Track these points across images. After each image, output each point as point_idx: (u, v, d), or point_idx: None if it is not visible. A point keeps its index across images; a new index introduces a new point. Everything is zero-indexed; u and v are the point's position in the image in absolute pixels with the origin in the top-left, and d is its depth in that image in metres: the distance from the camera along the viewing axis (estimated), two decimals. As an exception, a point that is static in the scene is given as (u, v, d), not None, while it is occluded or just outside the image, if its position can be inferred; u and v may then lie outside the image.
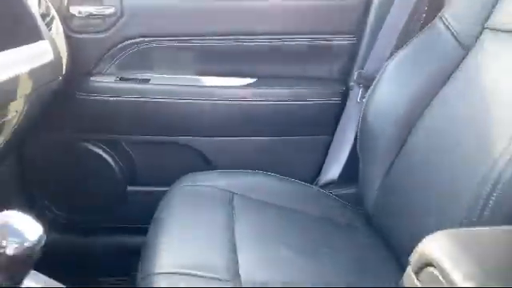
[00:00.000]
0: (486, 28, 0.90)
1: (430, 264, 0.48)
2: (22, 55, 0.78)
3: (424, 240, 0.51)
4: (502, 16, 0.87)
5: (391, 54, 1.07)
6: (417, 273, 0.50)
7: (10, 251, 0.38)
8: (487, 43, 0.89)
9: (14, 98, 0.75)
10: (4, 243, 0.38)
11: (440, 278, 0.46)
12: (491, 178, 0.59)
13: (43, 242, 0.41)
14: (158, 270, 0.72)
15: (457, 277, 0.44)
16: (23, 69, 0.77)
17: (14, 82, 0.74)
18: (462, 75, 0.92)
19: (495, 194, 0.58)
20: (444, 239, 0.50)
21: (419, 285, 0.49)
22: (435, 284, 0.46)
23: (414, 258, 0.51)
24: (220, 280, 0.70)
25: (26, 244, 0.39)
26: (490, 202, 0.58)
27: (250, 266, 0.76)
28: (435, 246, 0.49)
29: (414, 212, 0.88)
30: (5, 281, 0.41)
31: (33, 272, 0.47)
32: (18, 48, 0.78)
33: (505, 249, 0.49)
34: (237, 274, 0.73)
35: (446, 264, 0.46)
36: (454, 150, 0.81)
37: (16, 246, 0.38)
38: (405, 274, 0.52)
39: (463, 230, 0.54)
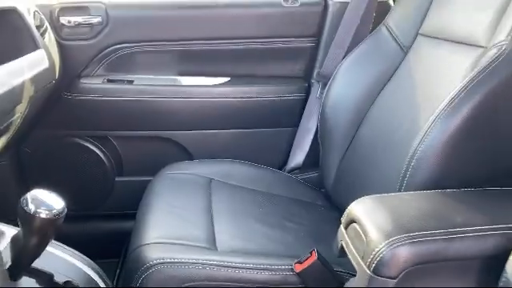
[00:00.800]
0: (420, 34, 1.06)
1: (354, 221, 0.64)
2: (24, 64, 0.90)
3: (352, 203, 0.67)
4: (430, 25, 1.03)
5: (345, 55, 1.21)
6: (346, 228, 0.66)
7: (43, 215, 0.52)
8: (420, 46, 1.05)
9: (20, 101, 0.88)
10: (38, 210, 0.52)
11: (360, 231, 0.62)
12: (410, 155, 0.76)
13: (65, 211, 0.55)
14: (146, 242, 0.85)
15: (370, 229, 0.60)
16: (26, 76, 0.89)
17: (21, 87, 0.86)
18: (402, 73, 1.08)
19: (411, 167, 0.74)
20: (366, 202, 0.66)
21: (347, 238, 0.65)
22: (358, 236, 0.62)
23: (344, 218, 0.67)
24: (200, 247, 0.85)
25: (54, 211, 0.53)
26: (408, 174, 0.75)
27: (224, 236, 0.90)
28: (358, 207, 0.65)
29: (363, 189, 1.03)
30: (37, 240, 0.55)
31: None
32: (20, 58, 0.90)
33: (411, 208, 0.65)
34: (213, 243, 0.87)
35: (364, 220, 0.62)
36: (394, 135, 0.96)
37: (47, 212, 0.52)
38: (338, 230, 0.68)
39: (383, 195, 0.69)
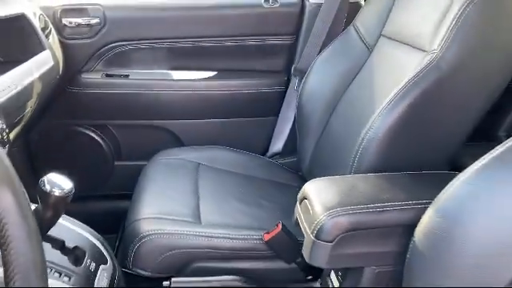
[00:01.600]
0: (382, 35, 1.19)
1: (305, 198, 0.79)
2: (33, 65, 1.04)
3: (306, 183, 0.82)
4: (390, 27, 1.16)
5: (319, 52, 1.34)
6: (300, 204, 0.81)
7: (56, 194, 0.67)
8: (382, 47, 1.17)
9: (30, 98, 1.02)
10: (53, 189, 0.67)
11: (308, 206, 0.77)
12: (358, 143, 0.90)
13: (73, 190, 0.70)
14: (140, 217, 1.00)
15: (315, 204, 0.75)
16: (35, 75, 1.03)
17: (31, 85, 1.00)
18: (365, 70, 1.20)
19: (358, 154, 0.89)
20: (316, 182, 0.81)
21: (300, 212, 0.80)
22: (307, 210, 0.77)
23: (299, 195, 0.82)
24: (186, 221, 1.00)
25: (65, 190, 0.68)
26: (356, 160, 0.89)
27: (207, 213, 1.05)
28: (310, 187, 0.80)
29: (330, 171, 1.16)
30: (52, 213, 0.70)
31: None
32: (30, 60, 1.04)
33: (351, 188, 0.79)
34: (198, 218, 1.02)
35: (312, 197, 0.77)
36: (353, 126, 1.08)
37: (60, 191, 0.67)
38: (295, 205, 0.84)
39: (333, 177, 0.84)
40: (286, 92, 1.46)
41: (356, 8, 1.40)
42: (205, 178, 1.24)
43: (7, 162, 0.46)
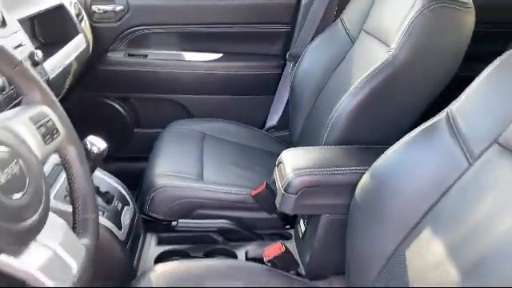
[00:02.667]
0: (363, 30, 1.38)
1: (280, 162, 1.03)
2: (72, 47, 1.28)
3: (283, 151, 1.06)
4: (369, 23, 1.35)
5: (311, 40, 1.55)
6: (277, 167, 1.05)
7: (95, 151, 0.92)
8: (362, 40, 1.36)
9: (69, 75, 1.26)
10: (93, 148, 0.91)
11: (282, 168, 1.00)
12: (328, 120, 1.12)
13: (107, 150, 0.95)
14: (156, 173, 1.26)
15: (287, 167, 0.99)
16: (73, 56, 1.27)
17: (70, 65, 1.24)
18: (347, 60, 1.39)
19: (328, 129, 1.11)
20: (291, 151, 1.05)
21: (276, 173, 1.04)
22: (281, 172, 1.01)
23: (277, 161, 1.06)
24: (192, 179, 1.25)
25: (101, 149, 0.93)
26: (326, 133, 1.12)
27: (209, 173, 1.30)
28: (285, 154, 1.04)
29: (309, 143, 1.36)
30: (91, 165, 0.95)
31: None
32: (69, 43, 1.28)
33: (316, 156, 1.03)
34: (201, 176, 1.27)
35: (285, 162, 1.01)
36: (331, 105, 1.31)
37: (98, 148, 0.92)
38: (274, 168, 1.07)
39: (306, 147, 1.07)
40: (281, 74, 1.68)
41: (345, 2, 1.59)
42: (209, 145, 1.48)
43: (71, 126, 0.70)
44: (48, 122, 0.64)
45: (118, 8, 1.56)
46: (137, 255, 1.07)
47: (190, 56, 1.68)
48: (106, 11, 1.56)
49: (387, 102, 1.07)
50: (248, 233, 1.21)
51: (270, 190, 1.17)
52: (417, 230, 0.78)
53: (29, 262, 0.51)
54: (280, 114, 1.68)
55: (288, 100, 1.63)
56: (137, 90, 1.69)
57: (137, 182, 1.58)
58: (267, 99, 1.72)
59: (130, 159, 1.75)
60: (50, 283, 0.52)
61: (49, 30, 1.29)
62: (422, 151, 0.81)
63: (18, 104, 0.86)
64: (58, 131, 0.66)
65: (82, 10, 1.49)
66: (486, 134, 0.72)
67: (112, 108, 1.72)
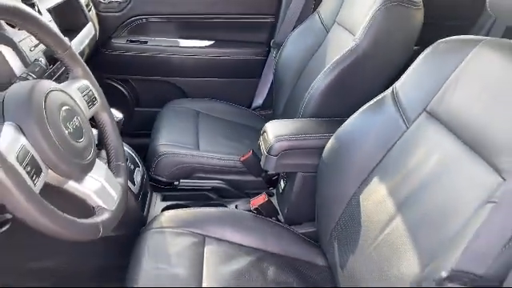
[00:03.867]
0: (335, 22, 1.60)
1: (265, 131, 1.26)
2: (83, 34, 1.47)
3: (267, 123, 1.29)
4: (341, 16, 1.57)
5: (292, 30, 1.77)
6: (262, 135, 1.28)
7: (115, 120, 1.13)
8: (334, 31, 1.58)
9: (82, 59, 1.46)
10: (116, 117, 1.12)
11: (266, 136, 1.24)
12: (304, 97, 1.35)
13: (123, 120, 1.16)
14: (159, 143, 1.47)
15: (269, 134, 1.22)
16: (85, 42, 1.47)
17: (83, 51, 1.44)
18: (322, 48, 1.61)
19: (304, 104, 1.34)
20: (274, 123, 1.28)
21: (261, 140, 1.27)
22: (265, 139, 1.24)
23: (262, 130, 1.29)
24: (189, 148, 1.47)
25: (118, 119, 1.14)
26: (302, 108, 1.35)
27: (204, 143, 1.52)
28: (269, 125, 1.26)
29: (289, 117, 1.59)
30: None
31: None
32: (82, 31, 1.47)
33: (294, 126, 1.26)
34: (197, 146, 1.50)
35: (268, 130, 1.24)
36: (308, 86, 1.53)
37: (116, 117, 1.13)
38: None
39: (286, 119, 1.30)
40: (266, 60, 1.90)
41: (322, -4, 1.81)
42: (203, 122, 1.70)
43: (104, 96, 0.92)
44: (89, 92, 0.85)
45: (121, -1, 1.76)
46: (146, 208, 1.30)
47: (185, 43, 1.88)
48: (110, 1, 1.75)
49: (353, 82, 1.30)
50: (238, 192, 1.44)
51: (256, 157, 1.40)
52: (368, 179, 1.02)
53: (87, 187, 0.73)
54: (265, 95, 1.91)
55: (272, 82, 1.86)
56: (137, 73, 1.89)
57: (139, 155, 1.80)
58: (254, 82, 1.94)
59: (131, 135, 1.94)
60: (100, 203, 0.75)
61: (64, 19, 1.47)
62: (373, 119, 1.05)
63: (58, 79, 1.07)
64: (96, 99, 0.87)
65: (90, 0, 1.67)
66: (418, 105, 0.96)
67: (115, 89, 1.91)
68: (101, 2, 1.74)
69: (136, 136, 1.94)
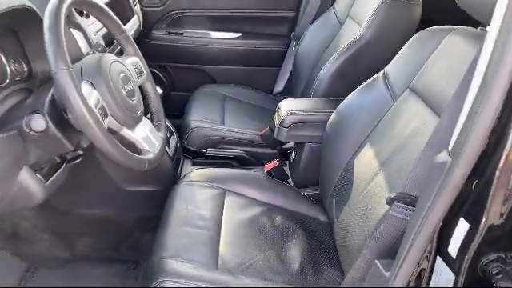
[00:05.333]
0: (348, 16, 1.80)
1: (279, 108, 1.49)
2: (130, 26, 1.74)
3: (282, 101, 1.51)
4: (353, 11, 1.76)
5: (311, 24, 1.98)
6: (276, 111, 1.51)
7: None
8: (347, 24, 1.77)
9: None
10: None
11: (279, 111, 1.46)
12: (315, 79, 1.56)
13: (163, 94, 1.41)
14: (191, 119, 1.73)
15: (282, 110, 1.45)
16: (131, 33, 1.74)
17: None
18: (336, 38, 1.82)
19: (315, 86, 1.55)
20: (288, 101, 1.50)
21: (276, 116, 1.49)
22: (279, 113, 1.47)
23: (277, 107, 1.51)
24: (216, 123, 1.72)
25: (159, 91, 1.39)
26: (313, 89, 1.56)
27: (229, 120, 1.76)
28: (283, 103, 1.49)
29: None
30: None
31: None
32: (128, 23, 1.74)
33: (305, 104, 1.48)
34: (223, 122, 1.74)
35: (282, 107, 1.46)
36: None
37: (159, 92, 1.38)
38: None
39: (299, 98, 1.52)
40: (287, 50, 2.12)
41: (338, -6, 2.01)
42: (229, 104, 1.95)
43: (149, 70, 1.17)
44: (138, 66, 1.11)
45: (162, -5, 2.03)
46: (178, 171, 1.55)
47: (215, 34, 2.13)
48: (152, -3, 2.03)
49: (357, 67, 1.50)
50: (255, 161, 1.67)
51: (272, 132, 1.61)
52: (361, 146, 1.22)
53: (137, 134, 0.98)
54: (285, 82, 2.14)
55: (291, 71, 2.08)
56: (173, 61, 2.16)
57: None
58: (275, 70, 2.17)
59: (167, 116, 2.21)
60: (146, 147, 1.00)
61: (115, 11, 1.73)
62: (367, 96, 1.26)
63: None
64: (143, 72, 1.13)
65: (135, -4, 1.95)
66: (403, 83, 1.15)
67: (154, 74, 2.17)
68: (144, -3, 2.02)
69: (171, 117, 2.20)
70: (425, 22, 1.47)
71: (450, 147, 0.62)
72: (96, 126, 0.80)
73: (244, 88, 2.11)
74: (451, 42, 1.04)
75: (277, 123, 1.43)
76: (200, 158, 1.68)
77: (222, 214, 1.23)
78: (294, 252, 1.16)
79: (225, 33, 2.13)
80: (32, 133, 0.88)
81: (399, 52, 1.21)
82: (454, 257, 0.63)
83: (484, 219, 0.58)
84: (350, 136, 1.25)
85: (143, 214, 1.49)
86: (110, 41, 1.36)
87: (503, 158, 0.56)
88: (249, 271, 1.05)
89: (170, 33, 2.11)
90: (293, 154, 1.56)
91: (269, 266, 1.08)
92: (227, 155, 1.67)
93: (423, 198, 0.66)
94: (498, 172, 0.56)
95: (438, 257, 0.67)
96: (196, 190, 1.29)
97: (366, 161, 1.17)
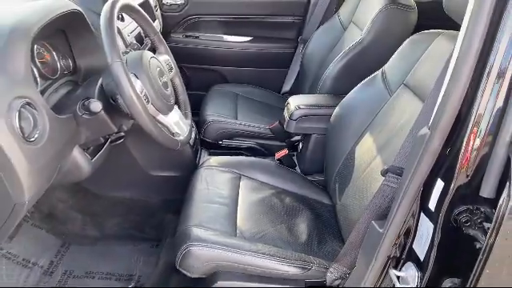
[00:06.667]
0: (351, 22, 1.98)
1: (288, 102, 1.66)
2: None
3: (290, 97, 1.68)
4: (355, 17, 1.94)
5: (317, 28, 2.16)
6: (286, 106, 1.68)
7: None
8: (350, 29, 1.95)
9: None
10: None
11: (288, 106, 1.64)
12: (323, 77, 1.74)
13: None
14: (207, 113, 1.90)
15: (290, 104, 1.62)
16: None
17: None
18: (340, 42, 2.00)
19: (321, 83, 1.73)
20: (296, 96, 1.68)
21: (285, 110, 1.67)
22: (288, 108, 1.64)
23: (286, 103, 1.69)
24: (230, 117, 1.89)
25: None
26: (319, 86, 1.73)
27: (241, 116, 1.93)
28: (291, 98, 1.66)
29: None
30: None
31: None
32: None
33: (310, 99, 1.65)
34: (236, 117, 1.91)
35: (290, 102, 1.64)
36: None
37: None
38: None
39: (306, 94, 1.69)
40: (294, 53, 2.29)
41: (342, 0, 2.18)
42: (241, 101, 2.12)
43: (177, 66, 1.35)
44: (169, 62, 1.28)
45: (180, 1, 2.21)
46: (197, 160, 1.72)
47: (229, 38, 2.31)
48: (171, 4, 2.20)
49: (358, 67, 1.67)
50: (266, 151, 1.84)
51: (281, 126, 1.79)
52: (362, 135, 1.39)
53: (170, 120, 1.16)
54: (292, 81, 2.31)
55: (298, 72, 2.25)
56: (189, 62, 2.33)
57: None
58: (283, 71, 2.34)
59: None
60: (178, 130, 1.17)
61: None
62: (367, 92, 1.43)
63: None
64: (172, 68, 1.30)
65: (157, 2, 2.13)
66: (399, 79, 1.32)
67: (171, 74, 2.36)
68: (164, 4, 2.20)
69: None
70: (421, 26, 1.65)
71: (429, 124, 0.79)
72: (142, 109, 0.97)
73: (254, 87, 2.28)
74: (439, 44, 1.21)
75: (286, 116, 1.60)
76: (215, 148, 1.85)
77: (238, 195, 1.39)
78: (301, 226, 1.33)
79: (237, 36, 2.30)
80: (84, 116, 1.05)
81: (395, 53, 1.38)
82: (433, 210, 0.79)
83: (455, 178, 0.75)
84: (352, 126, 1.42)
85: (166, 197, 1.66)
86: (140, 41, 1.54)
87: (469, 130, 0.73)
88: (262, 240, 1.21)
89: (186, 36, 2.29)
90: (300, 145, 1.73)
91: (279, 237, 1.24)
92: (240, 146, 1.84)
93: (408, 166, 0.83)
94: (465, 140, 0.73)
95: (422, 213, 0.83)
96: (215, 174, 1.46)
97: (365, 147, 1.34)
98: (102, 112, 1.04)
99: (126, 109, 1.01)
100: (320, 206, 1.47)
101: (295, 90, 2.29)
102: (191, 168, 1.60)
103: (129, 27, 1.51)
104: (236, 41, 2.30)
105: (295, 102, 1.61)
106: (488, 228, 0.71)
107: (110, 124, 1.08)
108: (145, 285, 1.47)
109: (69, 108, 1.06)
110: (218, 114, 1.90)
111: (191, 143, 1.64)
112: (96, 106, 0.99)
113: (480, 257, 0.72)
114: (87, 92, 1.08)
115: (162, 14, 2.18)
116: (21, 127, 0.84)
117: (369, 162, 1.28)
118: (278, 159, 1.60)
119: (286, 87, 2.33)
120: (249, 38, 2.30)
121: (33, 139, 0.87)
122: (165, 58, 1.27)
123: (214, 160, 1.53)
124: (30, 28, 0.94)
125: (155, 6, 2.08)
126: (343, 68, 1.67)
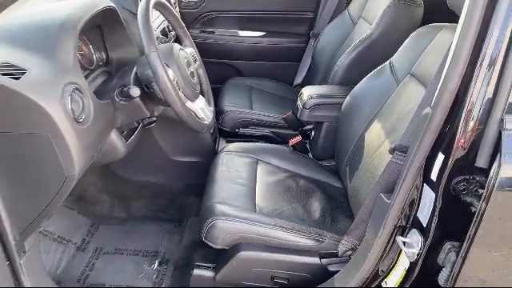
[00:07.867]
0: (361, 17, 2.08)
1: (301, 93, 1.77)
2: (174, 24, 2.04)
3: (303, 88, 1.80)
4: (365, 12, 2.04)
5: (328, 23, 2.27)
6: (299, 96, 1.79)
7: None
8: (360, 24, 2.06)
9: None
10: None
11: (302, 96, 1.75)
12: (334, 68, 1.85)
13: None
14: (224, 103, 2.02)
15: (304, 94, 1.73)
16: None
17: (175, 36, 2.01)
18: (350, 36, 2.10)
19: (332, 75, 1.84)
20: (308, 87, 1.79)
21: (299, 100, 1.78)
22: (301, 98, 1.75)
23: (299, 93, 1.80)
24: (245, 107, 2.01)
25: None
26: (331, 77, 1.84)
27: (256, 106, 2.05)
28: (304, 89, 1.78)
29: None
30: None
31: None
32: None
33: (324, 89, 1.76)
34: (251, 108, 2.03)
35: (304, 92, 1.75)
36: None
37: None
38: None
39: (318, 85, 1.80)
40: (306, 47, 2.40)
41: (352, -3, 2.29)
42: (255, 93, 2.23)
43: (200, 58, 1.47)
44: (194, 54, 1.40)
45: (197, -1, 2.33)
46: (216, 146, 1.84)
47: (243, 33, 2.43)
48: (189, 1, 2.32)
49: (367, 59, 1.78)
50: (280, 139, 1.96)
51: (294, 116, 1.90)
52: (371, 122, 1.49)
53: (197, 106, 1.28)
54: (304, 74, 2.41)
55: (310, 65, 2.36)
56: (205, 56, 2.40)
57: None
58: (295, 65, 2.45)
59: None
60: (203, 115, 1.29)
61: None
62: (376, 81, 1.53)
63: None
64: (197, 59, 1.42)
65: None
66: (405, 69, 1.43)
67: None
68: (182, 1, 2.32)
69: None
70: (426, 21, 1.75)
71: (431, 104, 0.90)
72: (175, 95, 1.09)
73: (268, 80, 2.39)
74: (443, 36, 1.31)
75: (300, 106, 1.72)
76: (232, 137, 1.97)
77: (255, 177, 1.51)
78: (315, 205, 1.44)
79: (251, 32, 2.42)
80: (121, 101, 1.17)
81: (402, 45, 1.49)
82: (434, 180, 0.90)
83: (453, 151, 0.86)
84: (362, 114, 1.53)
85: (188, 181, 1.78)
86: (165, 35, 1.66)
87: (466, 109, 0.84)
88: (280, 216, 1.33)
89: (203, 31, 2.40)
90: (312, 133, 1.84)
91: (295, 214, 1.36)
92: (255, 134, 1.96)
93: (413, 142, 0.94)
94: (463, 117, 0.84)
95: (425, 185, 0.94)
96: (234, 158, 1.58)
97: (374, 133, 1.45)
98: (138, 98, 1.16)
99: (160, 95, 1.13)
100: (332, 188, 1.58)
101: (306, 83, 2.39)
102: (211, 154, 1.72)
103: (154, 23, 1.63)
104: (250, 36, 2.41)
105: (308, 92, 1.72)
106: (482, 193, 0.82)
107: (144, 109, 1.20)
108: (170, 260, 1.60)
109: (107, 94, 1.18)
110: (234, 105, 2.02)
111: (211, 131, 1.76)
112: (135, 91, 1.11)
113: (475, 219, 0.83)
114: (123, 80, 1.20)
115: (179, 11, 2.29)
116: (72, 109, 0.96)
117: (377, 147, 1.39)
118: (292, 145, 1.71)
119: (298, 80, 2.43)
120: (262, 33, 2.41)
121: (81, 120, 0.99)
122: (190, 51, 1.39)
123: (233, 146, 1.65)
124: (77, 22, 1.06)
125: (174, 3, 2.19)
126: (353, 60, 1.78)
